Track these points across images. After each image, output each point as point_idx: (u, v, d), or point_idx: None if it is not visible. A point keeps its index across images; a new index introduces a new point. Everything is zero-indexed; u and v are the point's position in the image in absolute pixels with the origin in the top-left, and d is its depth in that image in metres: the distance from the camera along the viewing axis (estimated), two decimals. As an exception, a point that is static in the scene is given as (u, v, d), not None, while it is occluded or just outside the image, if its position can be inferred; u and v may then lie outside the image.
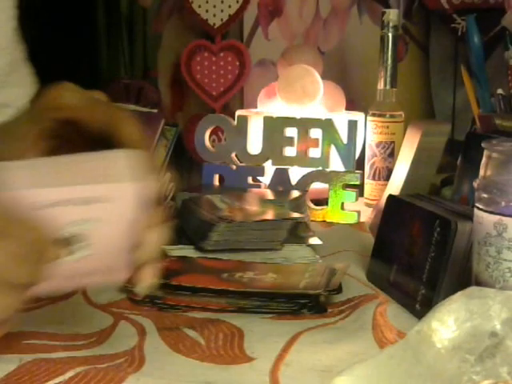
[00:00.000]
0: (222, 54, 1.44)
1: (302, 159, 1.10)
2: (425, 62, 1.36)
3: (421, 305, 0.66)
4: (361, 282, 0.76)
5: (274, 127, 1.10)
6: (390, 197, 0.79)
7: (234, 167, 1.13)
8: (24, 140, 0.54)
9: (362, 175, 1.11)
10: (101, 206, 0.47)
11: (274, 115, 1.12)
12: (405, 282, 0.70)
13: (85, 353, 0.57)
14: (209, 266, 0.78)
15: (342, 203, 1.07)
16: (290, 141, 1.10)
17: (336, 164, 1.08)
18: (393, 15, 1.14)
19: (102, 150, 0.50)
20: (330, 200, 1.07)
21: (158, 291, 0.68)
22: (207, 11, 1.44)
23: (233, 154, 1.13)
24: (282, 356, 0.57)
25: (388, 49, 1.15)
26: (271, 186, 1.10)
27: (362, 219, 1.06)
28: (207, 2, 1.44)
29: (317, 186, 1.09)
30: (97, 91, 0.55)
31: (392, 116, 1.15)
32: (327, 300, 0.69)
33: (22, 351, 0.57)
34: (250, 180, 1.13)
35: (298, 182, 1.09)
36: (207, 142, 1.14)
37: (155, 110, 1.38)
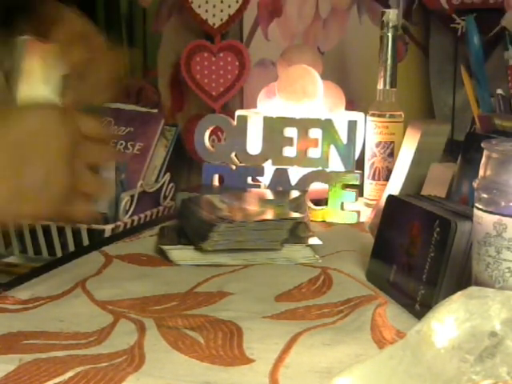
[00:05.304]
0: (221, 54, 1.44)
1: (301, 159, 1.10)
2: (424, 62, 1.36)
3: (420, 305, 0.66)
4: (360, 282, 0.77)
5: (273, 127, 1.10)
6: (390, 197, 0.79)
7: (234, 167, 1.13)
8: None
9: (362, 175, 1.11)
10: None
11: (274, 115, 1.12)
12: (404, 282, 0.70)
13: (85, 352, 0.57)
14: None
15: (342, 203, 1.07)
16: (289, 141, 1.10)
17: (336, 164, 1.08)
18: (392, 15, 1.14)
19: None
20: (329, 200, 1.08)
21: None
22: (207, 11, 1.44)
23: (232, 154, 1.13)
24: (282, 358, 0.57)
25: (388, 49, 1.15)
26: (271, 186, 1.10)
27: (361, 219, 1.06)
28: (207, 2, 1.43)
29: (316, 186, 1.09)
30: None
31: (392, 116, 1.15)
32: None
33: (22, 351, 0.56)
34: (249, 180, 1.13)
35: (297, 182, 1.09)
36: (207, 142, 1.14)
37: (155, 110, 1.38)
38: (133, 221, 1.15)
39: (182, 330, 0.63)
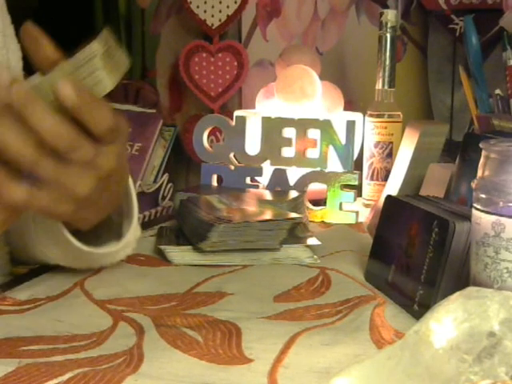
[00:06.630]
0: (220, 55, 1.44)
1: (300, 160, 1.10)
2: (423, 62, 1.36)
3: (419, 305, 0.66)
4: (359, 283, 0.77)
5: (272, 128, 1.10)
6: (388, 197, 0.79)
7: (233, 167, 1.13)
8: None
9: (360, 175, 1.11)
10: None
11: (272, 116, 1.12)
12: (403, 282, 0.70)
13: (84, 355, 0.57)
14: None
15: (341, 203, 1.07)
16: (288, 141, 1.10)
17: (334, 164, 1.08)
18: (391, 16, 1.14)
19: None
20: (328, 200, 1.08)
21: None
22: (205, 12, 1.44)
23: (231, 155, 1.13)
24: (281, 358, 0.57)
25: (386, 49, 1.15)
26: (269, 187, 1.10)
27: (360, 219, 1.06)
28: (205, 3, 1.44)
29: (315, 187, 1.09)
30: None
31: (390, 116, 1.15)
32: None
33: (21, 357, 0.56)
34: (248, 180, 1.13)
35: (296, 183, 1.09)
36: (205, 143, 1.14)
37: (153, 111, 1.38)
38: (131, 221, 1.15)
39: (180, 328, 0.63)
